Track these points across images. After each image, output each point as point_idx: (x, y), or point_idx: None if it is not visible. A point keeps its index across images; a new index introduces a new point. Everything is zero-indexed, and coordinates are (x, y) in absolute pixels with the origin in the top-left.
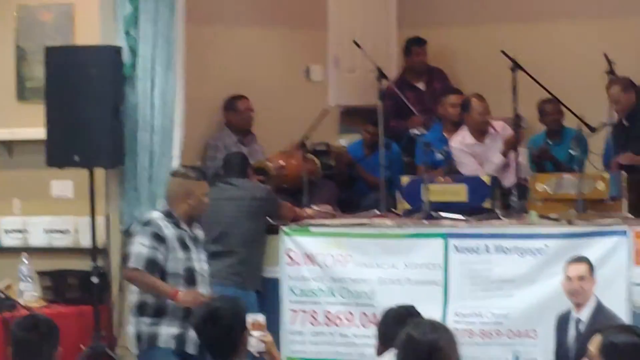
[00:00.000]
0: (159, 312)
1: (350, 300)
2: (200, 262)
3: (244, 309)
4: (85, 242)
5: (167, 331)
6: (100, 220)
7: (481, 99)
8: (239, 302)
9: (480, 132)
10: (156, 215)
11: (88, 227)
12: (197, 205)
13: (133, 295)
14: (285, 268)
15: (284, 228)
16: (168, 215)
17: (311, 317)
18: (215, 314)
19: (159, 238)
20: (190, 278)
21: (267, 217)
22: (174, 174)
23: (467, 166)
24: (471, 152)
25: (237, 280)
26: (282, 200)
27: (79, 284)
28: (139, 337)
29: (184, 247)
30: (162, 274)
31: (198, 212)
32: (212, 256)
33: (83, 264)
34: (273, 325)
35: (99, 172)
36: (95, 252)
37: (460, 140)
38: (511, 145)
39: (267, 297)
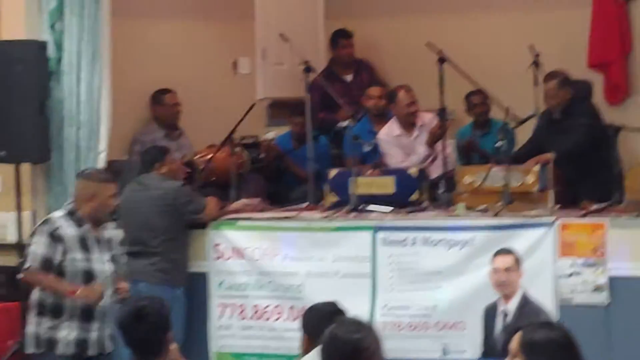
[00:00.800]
0: (57, 312)
1: (278, 294)
2: (102, 264)
3: (168, 309)
4: (12, 237)
5: (66, 336)
6: (26, 215)
7: (408, 90)
8: (164, 302)
9: (408, 123)
10: (57, 214)
11: (14, 222)
12: (100, 207)
13: (34, 293)
14: (213, 262)
15: (212, 222)
16: (71, 214)
17: (239, 311)
18: (141, 313)
19: (55, 237)
20: (88, 279)
21: (189, 214)
22: (80, 175)
23: (393, 157)
24: (398, 144)
25: (164, 278)
26: (208, 196)
27: (5, 280)
28: (37, 339)
29: (84, 247)
30: (61, 274)
31: (103, 213)
32: (134, 256)
33: (9, 260)
34: (201, 320)
35: (25, 168)
36: (21, 247)
37: (387, 132)
38: (436, 136)
39: (195, 291)
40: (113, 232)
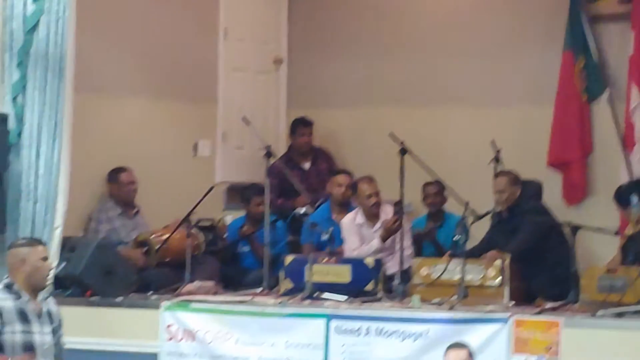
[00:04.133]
0: None
1: None
2: (42, 335)
3: None
4: None
5: None
6: None
7: (369, 182)
8: None
9: (372, 214)
10: None
11: None
12: (33, 271)
13: None
14: (165, 343)
15: (165, 303)
16: (8, 287)
17: None
18: None
19: None
20: (28, 351)
21: None
22: (8, 247)
23: (350, 245)
24: (358, 232)
25: None
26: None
27: None
28: None
29: (24, 319)
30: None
31: (39, 278)
32: None
33: None
34: None
35: None
36: None
37: (352, 218)
38: (390, 230)
39: None
40: (53, 306)
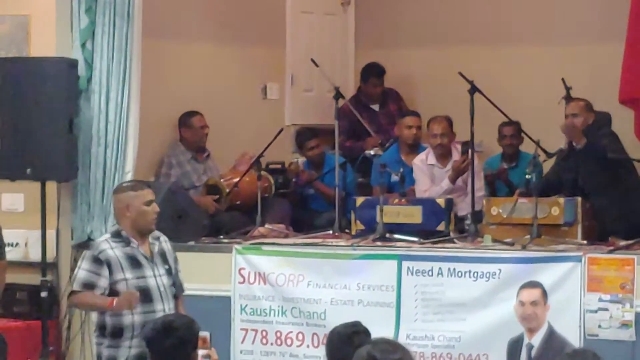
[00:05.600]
0: (117, 333)
1: (302, 321)
2: (157, 278)
3: (197, 327)
4: (35, 256)
5: (127, 352)
6: (50, 234)
7: (439, 122)
8: (193, 320)
9: (443, 155)
10: (103, 237)
11: (38, 241)
12: (138, 216)
13: (95, 314)
14: (237, 286)
15: (237, 246)
16: (116, 235)
17: (262, 336)
18: (169, 327)
19: (98, 261)
20: (145, 296)
21: None
22: (114, 191)
23: (421, 185)
24: (429, 173)
25: None
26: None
27: (28, 299)
28: (99, 359)
29: (135, 265)
30: (115, 296)
31: (144, 223)
32: None
33: (32, 278)
34: (223, 344)
35: (51, 186)
36: (45, 266)
37: (422, 159)
38: (459, 171)
39: (218, 314)
40: (165, 244)
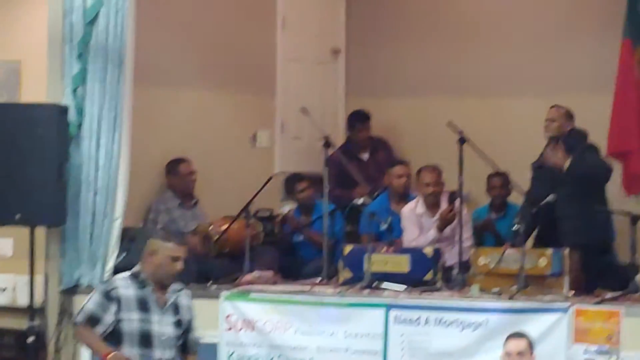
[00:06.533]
0: None
1: None
2: (161, 326)
3: None
4: (23, 301)
5: None
6: (39, 279)
7: (431, 171)
8: None
9: (432, 204)
10: (121, 275)
11: (26, 285)
12: (161, 266)
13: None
14: (224, 333)
15: (224, 293)
16: (135, 276)
17: None
18: None
19: (109, 297)
20: (145, 340)
21: None
22: (149, 235)
23: (409, 234)
24: (417, 222)
25: None
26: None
27: (15, 343)
28: None
29: (143, 308)
30: (118, 333)
31: (164, 274)
32: None
33: (20, 323)
34: None
35: (40, 231)
36: (32, 311)
37: (411, 208)
38: (446, 220)
39: None
40: (185, 299)
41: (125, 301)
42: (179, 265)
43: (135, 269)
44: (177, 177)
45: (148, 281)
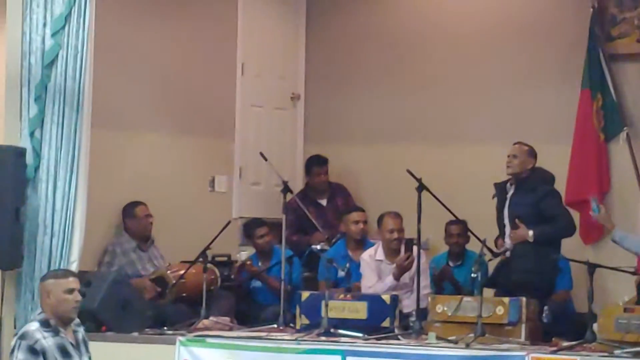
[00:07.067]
0: None
1: None
2: None
3: None
4: None
5: None
6: None
7: (394, 217)
8: None
9: (392, 250)
10: (33, 326)
11: None
12: (57, 303)
13: None
14: None
15: (181, 338)
16: (45, 324)
17: None
18: None
19: (34, 352)
20: None
21: None
22: (40, 279)
23: (367, 281)
24: (376, 269)
25: None
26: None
27: None
28: None
29: (66, 355)
30: None
31: (63, 311)
32: None
33: None
34: None
35: None
36: None
37: (371, 254)
38: (402, 268)
39: None
40: (83, 333)
41: (49, 353)
42: (77, 297)
43: (41, 316)
44: (134, 220)
45: (58, 326)
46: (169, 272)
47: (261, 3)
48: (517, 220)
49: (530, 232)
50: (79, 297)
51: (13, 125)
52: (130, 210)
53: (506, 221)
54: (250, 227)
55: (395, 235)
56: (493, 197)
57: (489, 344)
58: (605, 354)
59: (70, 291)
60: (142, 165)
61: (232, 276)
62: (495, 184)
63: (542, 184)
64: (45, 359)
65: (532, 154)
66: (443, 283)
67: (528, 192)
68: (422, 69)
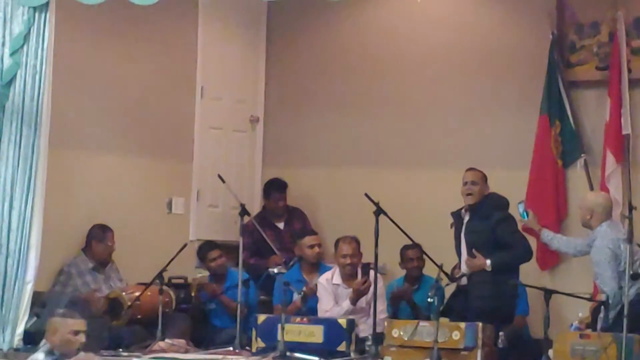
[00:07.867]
0: None
1: None
2: None
3: None
4: None
5: None
6: None
7: (349, 242)
8: None
9: (349, 275)
10: (40, 356)
11: None
12: (62, 343)
13: None
14: None
15: None
16: (51, 353)
17: None
18: None
19: None
20: None
21: None
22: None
23: (323, 305)
24: (334, 293)
25: None
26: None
27: None
28: None
29: None
30: None
31: (66, 350)
32: None
33: None
34: None
35: None
36: None
37: (328, 278)
38: (359, 292)
39: None
40: None
41: None
42: (82, 338)
43: (45, 347)
44: (101, 245)
45: (62, 356)
46: (124, 293)
47: (221, 26)
48: (474, 251)
49: (488, 262)
50: (83, 340)
51: None
52: (99, 234)
53: (463, 247)
54: (203, 250)
55: (349, 260)
56: (451, 227)
57: None
58: None
59: (76, 333)
60: (99, 186)
61: (192, 295)
62: (452, 213)
63: (497, 209)
64: None
65: (486, 179)
66: (400, 303)
67: (483, 219)
68: (381, 94)
